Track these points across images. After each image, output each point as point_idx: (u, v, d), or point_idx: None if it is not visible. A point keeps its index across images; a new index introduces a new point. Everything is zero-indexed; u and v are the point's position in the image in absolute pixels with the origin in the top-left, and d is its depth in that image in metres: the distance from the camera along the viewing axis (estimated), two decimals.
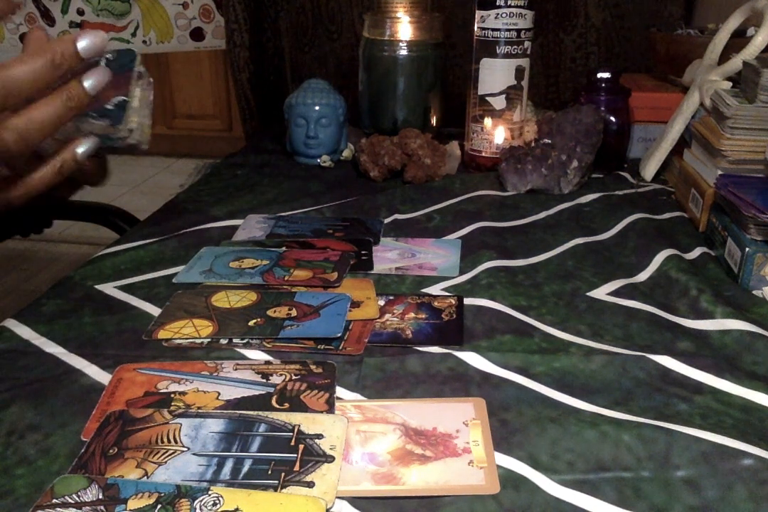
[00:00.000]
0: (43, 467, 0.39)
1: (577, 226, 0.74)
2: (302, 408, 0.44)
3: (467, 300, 0.58)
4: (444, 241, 0.70)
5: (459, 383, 0.47)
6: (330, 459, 0.39)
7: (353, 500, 0.37)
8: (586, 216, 0.77)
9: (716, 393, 0.46)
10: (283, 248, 0.67)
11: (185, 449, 0.40)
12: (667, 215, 0.76)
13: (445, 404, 0.44)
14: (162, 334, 0.52)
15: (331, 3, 1.19)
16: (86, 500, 0.36)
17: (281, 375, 0.47)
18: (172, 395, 0.45)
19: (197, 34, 1.32)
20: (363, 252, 0.66)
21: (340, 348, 0.51)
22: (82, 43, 0.44)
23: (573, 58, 1.17)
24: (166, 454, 0.39)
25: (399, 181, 0.88)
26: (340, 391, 0.46)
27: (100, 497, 0.36)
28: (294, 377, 0.47)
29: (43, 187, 0.46)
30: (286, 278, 0.60)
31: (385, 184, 0.87)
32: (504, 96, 0.87)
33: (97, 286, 0.60)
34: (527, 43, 0.85)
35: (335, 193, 0.83)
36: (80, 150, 0.47)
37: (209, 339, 0.52)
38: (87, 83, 0.45)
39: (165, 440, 0.40)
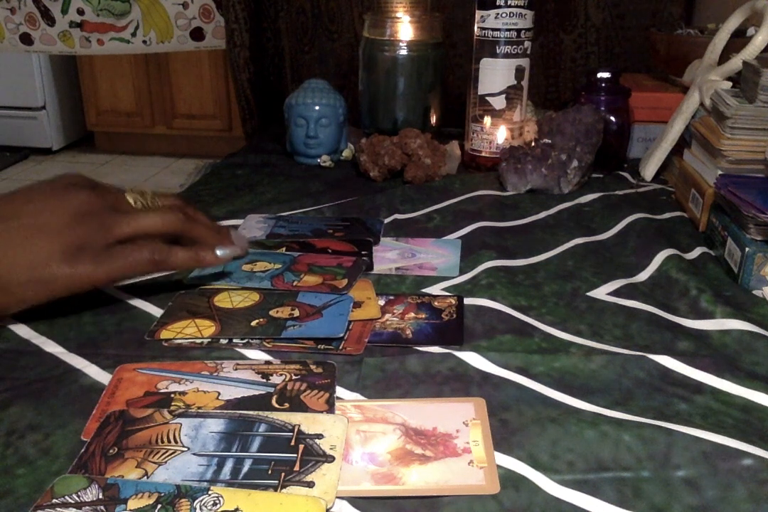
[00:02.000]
0: (43, 467, 0.39)
1: (577, 226, 0.74)
2: (302, 408, 0.44)
3: (467, 300, 0.58)
4: (444, 241, 0.70)
5: (459, 383, 0.47)
6: (330, 459, 0.39)
7: (353, 500, 0.37)
8: (586, 216, 0.77)
9: (716, 393, 0.46)
10: (284, 248, 0.67)
11: (185, 449, 0.40)
12: (667, 215, 0.76)
13: (445, 404, 0.44)
14: (164, 334, 0.52)
15: (331, 3, 1.19)
16: (86, 500, 0.36)
17: (281, 375, 0.47)
18: (172, 395, 0.45)
19: (197, 34, 1.32)
20: (363, 252, 0.66)
21: (340, 348, 0.51)
22: (221, 251, 0.56)
23: (573, 58, 1.17)
24: (166, 454, 0.39)
25: (399, 181, 0.88)
26: (340, 391, 0.46)
27: (100, 497, 0.36)
28: (294, 377, 0.47)
29: (181, 266, 0.56)
30: (294, 283, 0.60)
31: (385, 184, 0.87)
32: (504, 96, 0.87)
33: None
34: (527, 43, 0.85)
35: (335, 193, 0.83)
36: (219, 251, 0.56)
37: (209, 339, 0.52)
38: (219, 252, 0.56)
39: (165, 440, 0.40)
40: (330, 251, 0.66)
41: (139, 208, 0.56)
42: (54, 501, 0.36)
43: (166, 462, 0.39)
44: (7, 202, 0.52)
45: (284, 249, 0.67)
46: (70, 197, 0.52)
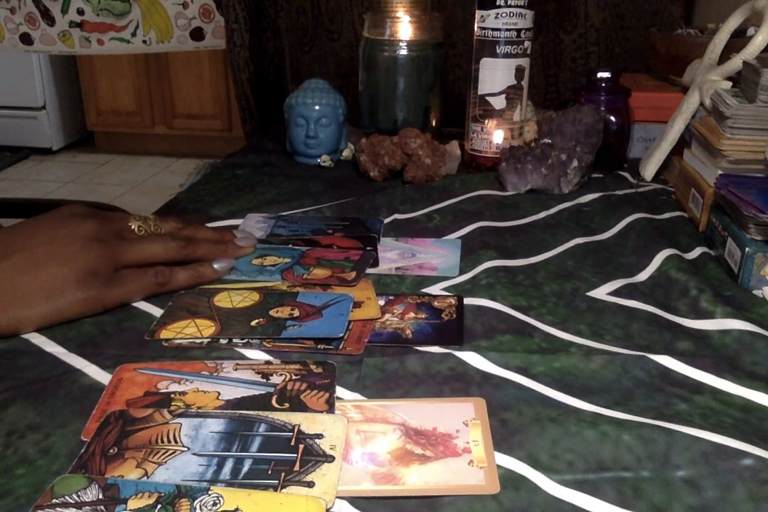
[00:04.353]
0: (43, 467, 0.39)
1: (577, 226, 0.74)
2: (302, 408, 0.44)
3: (467, 300, 0.58)
4: (444, 241, 0.70)
5: (459, 383, 0.47)
6: (330, 459, 0.39)
7: (353, 500, 0.37)
8: (586, 216, 0.77)
9: (716, 393, 0.46)
10: (289, 245, 0.67)
11: (185, 449, 0.40)
12: (667, 215, 0.76)
13: (445, 404, 0.44)
14: (164, 334, 0.52)
15: (331, 3, 1.19)
16: (86, 500, 0.36)
17: (281, 375, 0.47)
18: (172, 395, 0.45)
19: (197, 34, 1.32)
20: (368, 248, 0.66)
21: (340, 348, 0.51)
22: (218, 264, 0.60)
23: (573, 58, 1.17)
24: (166, 454, 0.39)
25: (399, 181, 0.88)
26: (340, 391, 0.46)
27: (100, 497, 0.36)
28: (294, 377, 0.47)
29: (184, 285, 0.59)
30: (304, 276, 0.61)
31: (385, 184, 0.87)
32: (504, 96, 0.87)
33: None
34: (527, 43, 0.85)
35: (335, 192, 0.83)
36: (216, 265, 0.60)
37: (209, 339, 0.52)
38: (217, 266, 0.60)
39: (165, 440, 0.40)
40: (335, 247, 0.67)
41: (143, 234, 0.59)
42: (54, 501, 0.36)
43: (166, 462, 0.39)
44: (16, 233, 0.54)
45: (290, 246, 0.67)
46: (78, 226, 0.55)
